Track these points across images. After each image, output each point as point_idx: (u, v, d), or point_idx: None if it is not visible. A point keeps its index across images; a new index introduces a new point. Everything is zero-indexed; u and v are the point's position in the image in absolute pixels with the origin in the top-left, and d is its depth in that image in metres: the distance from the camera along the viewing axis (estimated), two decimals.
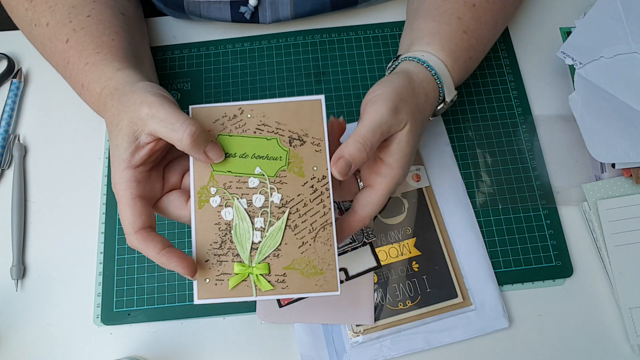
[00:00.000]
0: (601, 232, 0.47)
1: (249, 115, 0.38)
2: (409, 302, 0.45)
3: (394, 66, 0.44)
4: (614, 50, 0.50)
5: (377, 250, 0.47)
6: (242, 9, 0.53)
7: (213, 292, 0.37)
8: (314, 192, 0.37)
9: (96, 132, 0.54)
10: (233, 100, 0.54)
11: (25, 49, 0.57)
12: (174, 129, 0.35)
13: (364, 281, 0.46)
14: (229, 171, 0.38)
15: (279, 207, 0.37)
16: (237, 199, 0.38)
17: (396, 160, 0.38)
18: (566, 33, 0.55)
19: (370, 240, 0.47)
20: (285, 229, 0.37)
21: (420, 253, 0.47)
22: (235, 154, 0.38)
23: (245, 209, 0.37)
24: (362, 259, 0.46)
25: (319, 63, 0.55)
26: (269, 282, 0.37)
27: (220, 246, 0.37)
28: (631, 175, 0.47)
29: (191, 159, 0.38)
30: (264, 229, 0.37)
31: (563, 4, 0.57)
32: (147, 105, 0.36)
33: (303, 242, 0.37)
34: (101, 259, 0.49)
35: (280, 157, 0.38)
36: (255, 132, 0.38)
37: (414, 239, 0.47)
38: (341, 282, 0.46)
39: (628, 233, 0.46)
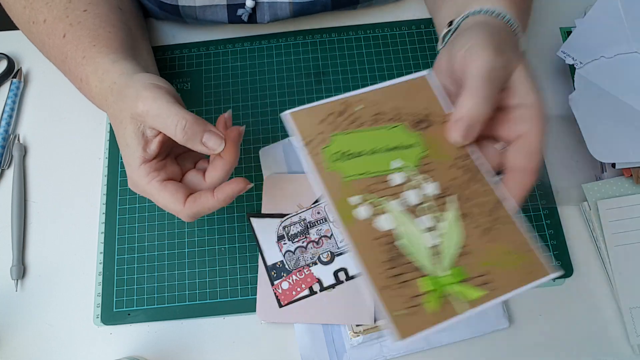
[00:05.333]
0: (601, 232, 0.46)
1: (359, 107, 0.34)
2: None
3: (456, 26, 0.39)
4: (614, 50, 0.50)
5: None
6: (240, 11, 0.53)
7: (414, 325, 0.29)
8: (466, 171, 0.33)
9: (96, 132, 0.54)
10: (233, 101, 0.54)
11: (25, 49, 0.57)
12: (166, 124, 0.35)
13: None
14: (361, 174, 0.33)
15: (439, 198, 0.32)
16: (386, 202, 0.32)
17: (528, 93, 0.33)
18: (566, 33, 0.55)
19: None
20: (458, 220, 0.32)
21: None
22: (360, 152, 0.33)
23: (401, 211, 0.32)
24: None
25: (319, 63, 0.55)
26: (473, 288, 0.30)
27: (393, 265, 0.30)
28: (631, 175, 0.47)
29: (310, 173, 0.33)
30: (434, 227, 0.31)
31: (563, 4, 0.57)
32: (141, 101, 0.35)
33: (484, 230, 0.31)
34: (101, 259, 0.49)
35: (414, 144, 0.33)
36: (372, 124, 0.34)
37: None
38: (341, 282, 0.46)
39: (628, 233, 0.46)
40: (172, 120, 0.35)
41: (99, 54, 0.42)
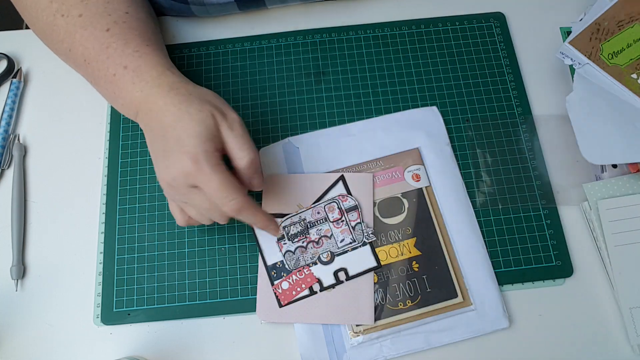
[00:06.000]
0: (601, 232, 0.46)
1: (605, 23, 0.48)
2: (409, 302, 0.45)
3: None
4: None
5: (377, 250, 0.47)
6: None
7: None
8: None
9: (96, 132, 0.54)
10: (233, 101, 0.54)
11: (25, 49, 0.57)
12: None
13: (364, 281, 0.46)
14: (631, 58, 0.47)
15: None
16: None
17: None
18: (566, 33, 0.55)
19: (370, 240, 0.47)
20: None
21: (420, 253, 0.47)
22: (623, 48, 0.47)
23: None
24: (362, 259, 0.46)
25: (319, 63, 0.55)
26: None
27: None
28: (638, 171, 0.47)
29: (600, 76, 0.48)
30: None
31: (563, 4, 0.57)
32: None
33: None
34: (101, 259, 0.49)
35: None
36: (620, 30, 0.48)
37: (414, 239, 0.47)
38: (341, 282, 0.46)
39: (628, 233, 0.46)
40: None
41: (155, 51, 0.44)
